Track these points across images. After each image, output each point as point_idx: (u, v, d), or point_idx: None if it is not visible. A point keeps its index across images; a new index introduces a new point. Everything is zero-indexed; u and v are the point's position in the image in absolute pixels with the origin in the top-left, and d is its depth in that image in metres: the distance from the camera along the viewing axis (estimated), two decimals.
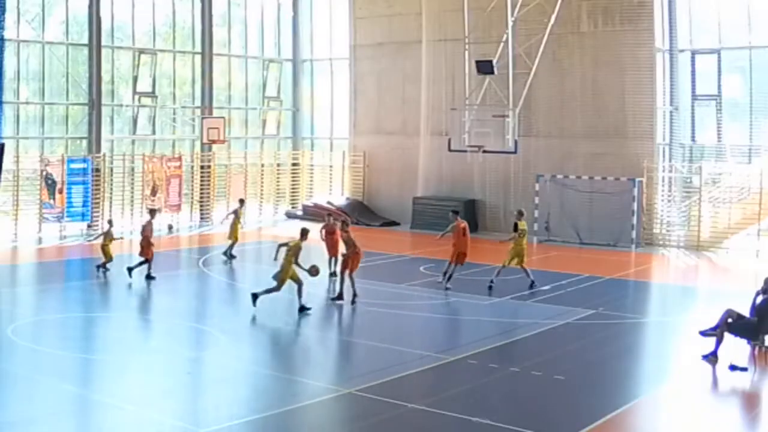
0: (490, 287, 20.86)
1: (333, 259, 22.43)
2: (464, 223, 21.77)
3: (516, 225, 21.43)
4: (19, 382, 13.24)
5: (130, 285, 20.96)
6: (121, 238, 23.88)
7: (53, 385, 13.05)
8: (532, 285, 21.10)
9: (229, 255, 24.91)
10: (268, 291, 18.18)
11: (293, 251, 18.16)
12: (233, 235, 25.08)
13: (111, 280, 21.25)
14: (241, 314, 18.77)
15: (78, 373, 14.11)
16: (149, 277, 21.42)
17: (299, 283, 18.14)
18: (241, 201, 27.19)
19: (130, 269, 21.49)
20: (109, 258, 21.93)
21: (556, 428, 11.94)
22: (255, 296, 18.18)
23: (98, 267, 21.85)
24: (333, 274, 21.91)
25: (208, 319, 18.32)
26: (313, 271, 18.38)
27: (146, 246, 21.67)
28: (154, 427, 11.53)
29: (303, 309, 18.09)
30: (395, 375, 13.88)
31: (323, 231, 22.79)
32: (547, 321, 18.25)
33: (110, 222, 23.28)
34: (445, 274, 21.22)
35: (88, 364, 14.64)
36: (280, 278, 18.15)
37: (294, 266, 18.11)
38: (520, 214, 21.90)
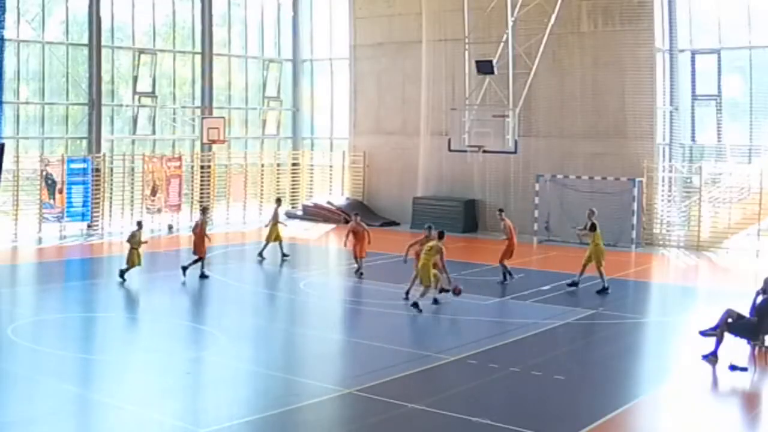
0: (574, 284, 21.00)
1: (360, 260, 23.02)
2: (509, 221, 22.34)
3: (594, 225, 21.23)
4: (19, 382, 13.24)
5: (184, 283, 21.28)
6: (145, 242, 21.70)
7: (53, 385, 13.05)
8: (603, 290, 20.68)
9: (282, 254, 24.92)
10: (423, 294, 18.94)
11: (434, 251, 18.85)
12: (275, 235, 25.02)
13: (112, 281, 21.22)
14: (241, 314, 18.79)
15: (78, 373, 14.11)
16: (203, 276, 21.57)
17: (437, 280, 19.15)
18: (278, 201, 27.11)
19: (184, 268, 21.67)
20: (133, 263, 20.87)
21: (556, 428, 11.94)
22: (435, 301, 19.12)
23: (122, 272, 20.88)
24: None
25: (208, 319, 18.32)
26: (457, 290, 19.21)
27: (199, 244, 21.82)
28: (154, 427, 11.53)
29: (436, 301, 19.11)
30: (395, 375, 13.88)
31: (349, 234, 23.12)
32: (547, 321, 18.24)
33: (139, 224, 21.93)
34: (505, 274, 21.76)
35: (88, 364, 14.65)
36: (425, 279, 18.89)
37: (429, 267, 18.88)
38: (593, 212, 21.96)
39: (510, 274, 21.95)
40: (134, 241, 20.93)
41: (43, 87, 29.92)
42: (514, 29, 28.16)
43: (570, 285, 21.07)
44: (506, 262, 22.04)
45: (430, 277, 18.79)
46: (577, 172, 30.13)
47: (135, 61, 32.32)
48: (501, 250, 22.14)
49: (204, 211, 23.69)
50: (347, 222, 33.67)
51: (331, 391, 13.08)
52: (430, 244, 19.14)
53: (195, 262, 21.81)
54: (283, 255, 24.96)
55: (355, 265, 22.88)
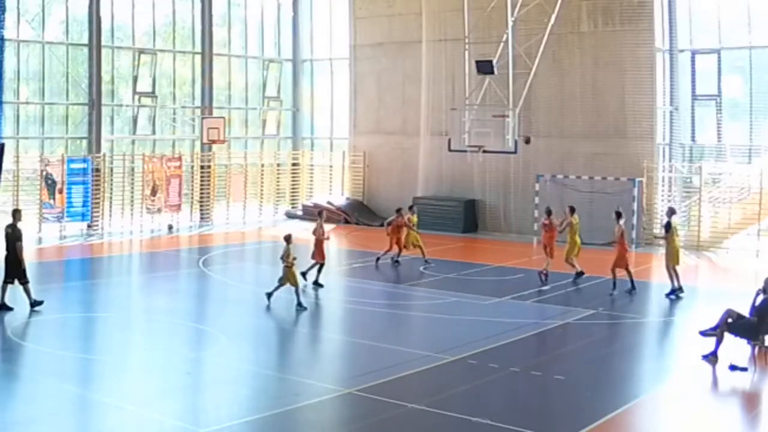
0: (675, 293, 20.55)
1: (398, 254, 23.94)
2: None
3: (669, 224, 21.01)
4: (19, 382, 13.25)
5: (310, 287, 20.39)
6: (294, 258, 18.78)
7: (53, 385, 13.05)
8: (678, 291, 20.47)
9: (394, 260, 24.30)
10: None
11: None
12: (407, 241, 24.26)
13: (112, 281, 21.18)
14: (241, 314, 18.78)
15: (78, 373, 14.11)
16: (316, 284, 20.52)
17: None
18: (411, 208, 25.62)
19: (303, 273, 20.30)
20: (291, 282, 18.56)
21: (556, 428, 11.94)
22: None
23: (297, 302, 18.46)
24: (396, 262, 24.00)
25: (208, 319, 18.32)
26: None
27: (318, 249, 20.56)
28: (154, 427, 11.53)
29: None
30: (395, 375, 13.88)
31: (390, 227, 24.05)
32: (547, 321, 18.25)
33: (288, 238, 18.84)
34: (615, 284, 20.95)
35: (88, 364, 14.65)
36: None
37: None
38: (672, 212, 21.83)
39: (615, 285, 20.84)
40: (286, 257, 18.59)
41: (43, 87, 29.91)
42: (514, 29, 28.15)
43: (670, 294, 20.69)
44: (618, 271, 21.02)
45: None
46: (577, 172, 30.13)
47: (135, 61, 32.32)
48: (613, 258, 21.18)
49: (320, 213, 21.78)
50: (348, 222, 33.86)
51: (331, 391, 13.08)
52: (573, 221, 21.68)
53: (313, 266, 20.67)
54: (395, 260, 24.47)
55: (387, 258, 23.96)
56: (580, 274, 22.13)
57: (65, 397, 12.61)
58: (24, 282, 17.60)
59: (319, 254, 20.60)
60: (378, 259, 24.36)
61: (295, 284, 18.47)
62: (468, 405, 12.48)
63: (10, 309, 17.39)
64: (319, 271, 20.69)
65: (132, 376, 13.81)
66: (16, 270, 17.52)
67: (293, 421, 11.99)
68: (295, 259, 18.62)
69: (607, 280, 21.56)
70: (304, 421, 12.09)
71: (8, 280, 17.53)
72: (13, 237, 17.62)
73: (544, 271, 22.06)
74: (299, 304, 18.35)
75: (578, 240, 22.24)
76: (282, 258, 18.53)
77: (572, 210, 22.39)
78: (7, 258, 17.58)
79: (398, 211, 24.58)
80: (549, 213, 22.77)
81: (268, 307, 18.45)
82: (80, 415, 12.16)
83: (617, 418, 12.18)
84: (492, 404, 12.72)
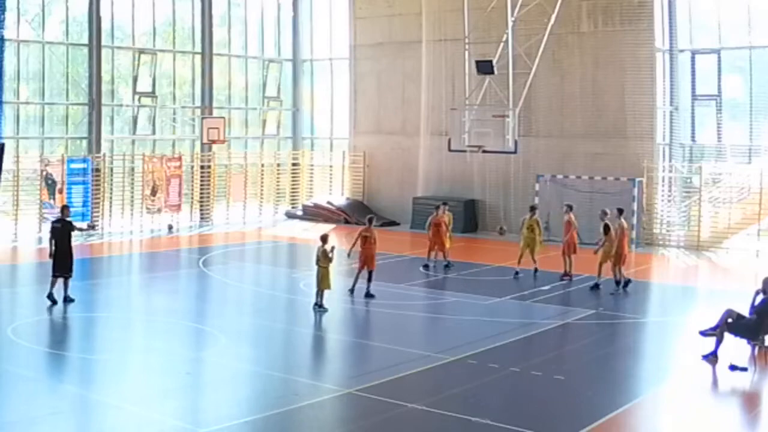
0: (596, 286, 21.09)
1: (439, 253, 23.72)
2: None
3: (606, 226, 21.16)
4: (19, 382, 13.24)
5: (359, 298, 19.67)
6: (330, 258, 18.18)
7: (53, 385, 13.06)
8: (626, 284, 21.10)
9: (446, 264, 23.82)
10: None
11: None
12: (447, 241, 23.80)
13: (112, 281, 21.08)
14: (241, 314, 18.79)
15: (78, 373, 14.11)
16: (368, 295, 19.55)
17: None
18: (445, 204, 24.87)
19: (366, 292, 19.64)
20: (323, 284, 18.02)
21: (556, 428, 11.94)
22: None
23: (317, 305, 18.12)
24: (447, 266, 23.66)
25: (208, 319, 18.32)
26: None
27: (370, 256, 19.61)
28: (154, 427, 11.53)
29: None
30: (395, 375, 13.88)
31: (431, 223, 23.68)
32: (547, 321, 18.25)
33: (324, 238, 18.20)
34: (618, 283, 21.06)
35: (88, 364, 14.65)
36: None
37: None
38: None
39: (618, 283, 20.98)
40: (323, 260, 17.97)
41: (43, 87, 29.90)
42: (514, 29, 28.15)
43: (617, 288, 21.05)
44: (620, 269, 21.09)
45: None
46: (577, 172, 30.13)
47: (135, 61, 32.31)
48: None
49: (370, 220, 20.33)
50: (348, 222, 33.83)
51: (331, 391, 13.09)
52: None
53: (369, 278, 19.68)
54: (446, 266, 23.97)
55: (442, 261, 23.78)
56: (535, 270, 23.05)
57: (65, 397, 12.61)
58: (68, 276, 18.17)
59: (372, 261, 19.71)
60: (426, 265, 23.68)
61: (326, 287, 18.02)
62: (468, 405, 12.48)
63: (72, 300, 18.09)
64: (369, 279, 19.69)
65: (132, 376, 13.81)
66: (70, 263, 18.12)
67: (293, 421, 11.99)
68: (330, 259, 18.07)
69: (608, 280, 21.57)
70: (304, 421, 12.08)
71: (68, 274, 18.11)
72: (65, 230, 18.23)
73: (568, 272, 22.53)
74: (320, 305, 18.04)
75: (539, 239, 23.25)
76: (318, 259, 17.97)
77: (532, 209, 23.98)
78: (59, 253, 18.04)
79: (437, 208, 24.20)
80: (570, 209, 23.04)
81: (320, 314, 18.04)
82: (80, 415, 12.15)
83: (617, 418, 12.18)
84: (492, 404, 12.73)
